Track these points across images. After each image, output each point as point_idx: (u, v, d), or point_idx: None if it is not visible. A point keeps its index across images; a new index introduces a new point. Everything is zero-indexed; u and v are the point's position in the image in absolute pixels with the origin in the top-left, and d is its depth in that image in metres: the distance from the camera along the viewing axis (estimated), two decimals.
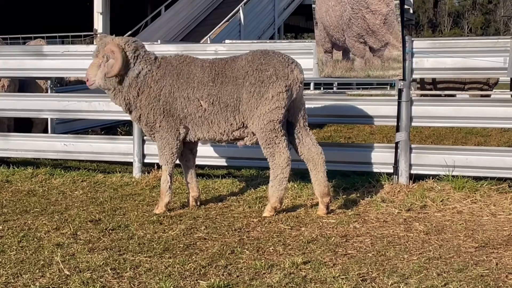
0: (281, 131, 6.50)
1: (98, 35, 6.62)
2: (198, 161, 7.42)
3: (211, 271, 4.94)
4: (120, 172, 8.70)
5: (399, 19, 7.24)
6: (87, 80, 6.83)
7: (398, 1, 7.18)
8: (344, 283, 4.66)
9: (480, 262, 5.18)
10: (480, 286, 4.60)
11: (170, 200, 6.85)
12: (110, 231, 6.05)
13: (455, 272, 4.90)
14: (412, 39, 7.67)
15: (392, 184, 7.54)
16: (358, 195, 7.33)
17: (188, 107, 6.65)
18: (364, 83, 25.55)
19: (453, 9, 67.09)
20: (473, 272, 4.90)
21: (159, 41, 11.13)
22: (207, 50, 8.59)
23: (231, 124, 6.62)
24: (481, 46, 7.61)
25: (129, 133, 10.74)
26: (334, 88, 26.73)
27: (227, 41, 13.15)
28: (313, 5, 7.87)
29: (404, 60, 7.46)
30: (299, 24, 29.86)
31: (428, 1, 66.31)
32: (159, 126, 6.74)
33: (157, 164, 8.47)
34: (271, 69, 6.48)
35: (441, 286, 4.61)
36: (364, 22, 7.37)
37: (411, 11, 34.69)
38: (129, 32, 22.64)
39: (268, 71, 6.48)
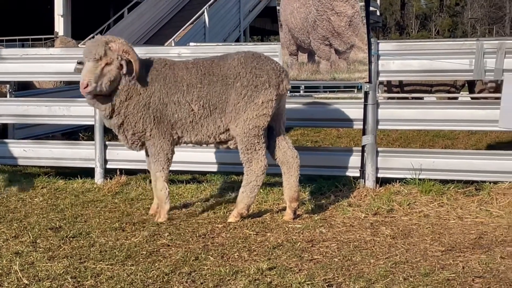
0: (262, 138, 6.51)
1: (96, 37, 6.30)
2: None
3: (175, 279, 4.92)
4: (81, 178, 8.63)
5: (365, 21, 7.28)
6: (86, 86, 6.33)
7: (363, 3, 7.23)
8: None
9: (447, 266, 5.22)
10: None
11: (170, 206, 6.79)
12: (71, 239, 5.99)
13: (421, 276, 4.93)
14: (378, 41, 7.73)
15: (359, 188, 7.58)
16: (325, 199, 7.36)
17: (179, 112, 6.58)
18: (331, 86, 25.63)
19: (420, 12, 67.69)
20: (440, 276, 4.94)
21: None
22: (170, 52, 8.56)
23: (219, 126, 6.61)
24: (447, 48, 7.67)
25: (90, 138, 10.66)
26: (301, 91, 26.77)
27: (191, 44, 13.14)
28: (277, 7, 7.90)
29: (370, 62, 7.50)
30: (265, 26, 29.94)
31: (395, 3, 66.85)
32: (150, 135, 6.61)
33: (120, 170, 8.44)
34: (265, 75, 6.49)
35: None
36: (329, 24, 7.40)
37: (378, 13, 34.93)
38: (91, 35, 22.51)
39: (262, 77, 6.49)
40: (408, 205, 7.04)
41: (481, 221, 6.58)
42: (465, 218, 6.70)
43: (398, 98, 14.92)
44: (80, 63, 6.66)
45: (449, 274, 5.00)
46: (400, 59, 7.67)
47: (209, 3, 21.78)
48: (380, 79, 8.03)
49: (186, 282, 4.86)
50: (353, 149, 8.25)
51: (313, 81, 8.04)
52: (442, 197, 7.21)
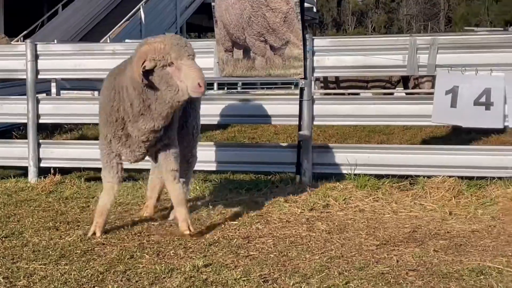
0: None
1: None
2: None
3: (109, 277, 4.87)
4: (14, 177, 8.47)
5: (299, 17, 7.33)
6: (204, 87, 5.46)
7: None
8: (245, 285, 4.67)
9: (381, 259, 5.28)
10: (380, 284, 4.70)
11: None
12: (3, 239, 5.88)
13: (356, 271, 4.98)
14: (313, 37, 7.78)
15: (295, 184, 7.63)
16: (261, 195, 7.38)
17: None
18: (268, 82, 25.75)
19: (356, 8, 68.35)
20: (374, 270, 4.99)
21: (55, 40, 10.92)
22: (104, 49, 8.48)
23: None
24: (381, 44, 7.77)
25: (24, 136, 10.47)
26: (238, 88, 26.82)
27: (127, 40, 13.03)
28: (212, 3, 7.88)
29: (305, 58, 7.55)
30: (202, 23, 29.85)
31: (332, 0, 67.38)
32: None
33: (54, 168, 8.32)
34: None
35: (342, 285, 4.67)
36: (264, 20, 7.42)
37: (315, 9, 35.15)
38: (25, 32, 22.18)
39: None
40: (343, 200, 7.10)
41: (415, 215, 6.68)
42: (399, 212, 6.79)
43: (335, 94, 15.11)
44: None
45: (383, 267, 5.06)
46: (334, 55, 7.74)
47: None
48: (315, 75, 8.08)
49: (121, 280, 4.81)
50: (290, 145, 8.28)
51: (248, 77, 8.05)
52: (377, 192, 7.29)
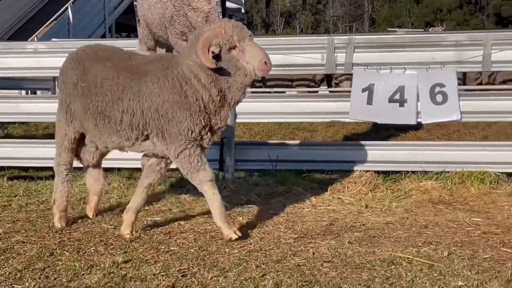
0: None
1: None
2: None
3: (28, 275, 4.78)
4: None
5: (221, 16, 7.32)
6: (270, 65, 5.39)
7: None
8: (163, 280, 4.65)
9: (298, 252, 5.32)
10: (295, 275, 4.73)
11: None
12: None
13: (273, 263, 5.00)
14: None
15: (218, 181, 7.62)
16: (185, 192, 7.35)
17: None
18: None
19: (285, 9, 68.72)
20: (291, 262, 5.03)
21: None
22: (26, 48, 8.34)
23: None
24: (301, 44, 7.85)
25: None
26: None
27: (53, 39, 12.82)
28: (135, 3, 7.82)
29: None
30: (132, 23, 29.45)
31: (261, 1, 67.60)
32: None
33: None
34: None
35: (259, 277, 4.69)
36: (186, 20, 7.38)
37: (243, 10, 35.17)
38: None
39: None
40: (265, 195, 7.14)
41: (333, 209, 6.75)
42: (318, 206, 6.86)
43: (262, 92, 15.16)
44: None
45: (300, 260, 5.10)
46: None
47: None
48: None
49: (39, 278, 4.73)
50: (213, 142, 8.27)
51: None
52: (298, 187, 7.35)
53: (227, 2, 7.68)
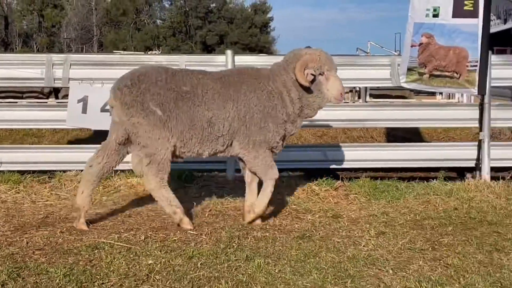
0: None
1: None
2: None
3: None
4: None
5: None
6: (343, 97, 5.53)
7: None
8: None
9: (14, 242, 5.06)
10: (8, 263, 4.47)
11: None
12: None
13: None
14: None
15: None
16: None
17: None
18: None
19: (22, 31, 65.34)
20: (6, 252, 4.77)
21: None
22: None
23: None
24: (23, 60, 7.51)
25: None
26: None
27: None
28: None
29: None
30: None
31: (0, 23, 63.59)
32: None
33: None
34: None
35: None
36: None
37: None
38: None
39: None
40: None
41: (50, 204, 6.50)
42: (37, 201, 6.57)
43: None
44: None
45: (14, 249, 4.85)
46: None
47: None
48: None
49: None
50: None
51: None
52: (19, 185, 6.97)
53: None
